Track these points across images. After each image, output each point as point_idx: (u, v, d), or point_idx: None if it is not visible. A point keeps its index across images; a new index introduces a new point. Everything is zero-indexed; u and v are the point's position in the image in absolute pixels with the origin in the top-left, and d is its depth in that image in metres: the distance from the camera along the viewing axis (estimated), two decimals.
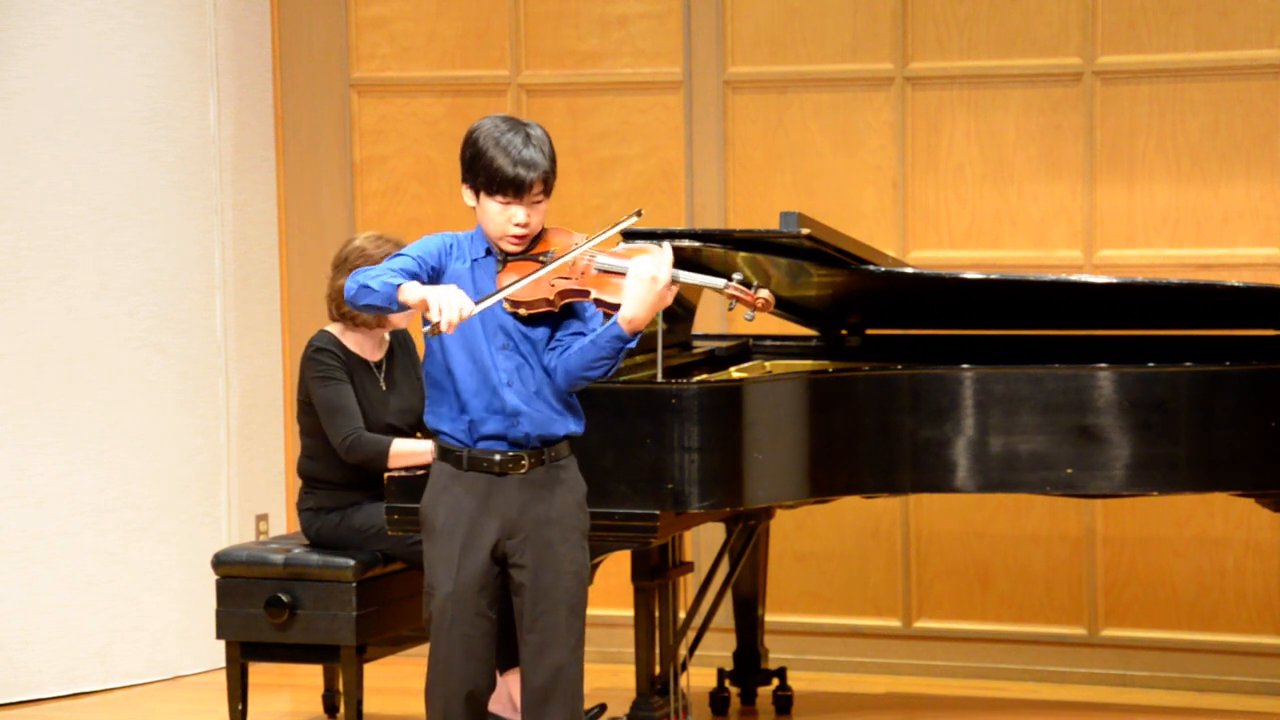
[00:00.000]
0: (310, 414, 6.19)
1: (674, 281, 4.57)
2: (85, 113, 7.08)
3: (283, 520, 7.66)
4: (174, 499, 7.32)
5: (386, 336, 6.29)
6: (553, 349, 4.68)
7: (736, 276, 4.60)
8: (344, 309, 6.17)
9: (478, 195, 4.67)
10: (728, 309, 4.66)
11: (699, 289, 6.19)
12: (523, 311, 4.64)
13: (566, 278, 4.60)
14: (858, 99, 7.16)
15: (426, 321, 4.52)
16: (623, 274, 4.57)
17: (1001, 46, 7.03)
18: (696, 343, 6.55)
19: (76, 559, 7.08)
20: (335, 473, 6.17)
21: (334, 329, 6.22)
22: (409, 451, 5.97)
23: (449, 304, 4.48)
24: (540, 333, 4.68)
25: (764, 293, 4.58)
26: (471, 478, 4.69)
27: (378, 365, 6.25)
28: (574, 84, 7.41)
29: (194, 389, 7.37)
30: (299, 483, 6.29)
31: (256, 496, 7.59)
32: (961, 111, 7.08)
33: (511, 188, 4.60)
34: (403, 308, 4.58)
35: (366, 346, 6.24)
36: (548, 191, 4.65)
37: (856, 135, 7.17)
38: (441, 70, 7.53)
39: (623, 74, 7.37)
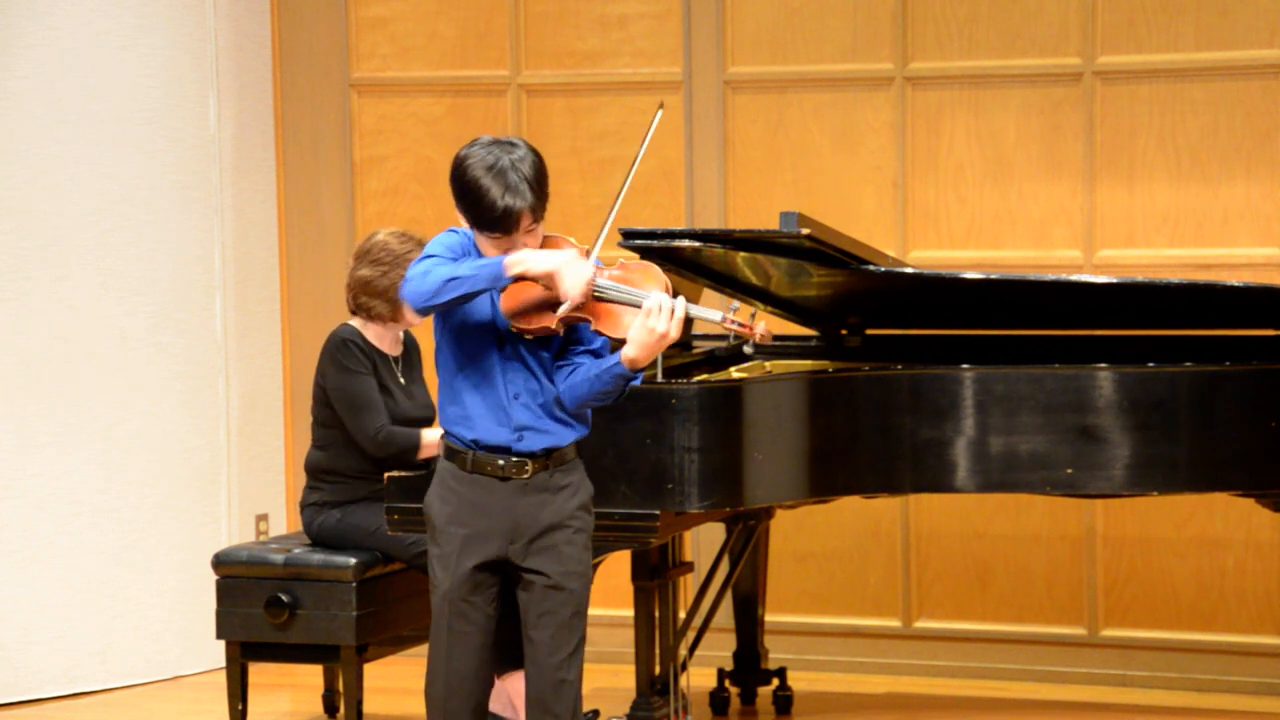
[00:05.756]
0: (327, 404, 6.18)
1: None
2: (85, 113, 7.08)
3: (283, 520, 7.66)
4: (174, 499, 7.31)
5: (401, 335, 6.29)
6: (561, 367, 4.67)
7: (734, 306, 4.61)
8: (361, 300, 6.17)
9: (471, 226, 4.65)
10: (728, 340, 4.65)
11: (698, 289, 6.19)
12: (528, 336, 4.63)
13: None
14: (858, 99, 7.16)
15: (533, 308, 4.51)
16: (625, 304, 4.56)
17: (1001, 46, 7.02)
18: (696, 343, 6.54)
19: (76, 559, 7.08)
20: (345, 463, 6.17)
21: (355, 323, 6.23)
22: (439, 441, 5.95)
23: (579, 278, 4.49)
24: (548, 351, 4.68)
25: (762, 325, 4.59)
26: (475, 479, 4.68)
27: (395, 360, 6.25)
28: (574, 84, 7.41)
29: (194, 389, 7.37)
30: (299, 482, 6.28)
31: (256, 496, 7.59)
32: (961, 111, 7.08)
33: (500, 229, 4.59)
34: (509, 281, 4.51)
35: (386, 340, 6.24)
36: (539, 218, 4.63)
37: (856, 135, 7.17)
38: (441, 70, 7.53)
39: (623, 74, 7.37)
